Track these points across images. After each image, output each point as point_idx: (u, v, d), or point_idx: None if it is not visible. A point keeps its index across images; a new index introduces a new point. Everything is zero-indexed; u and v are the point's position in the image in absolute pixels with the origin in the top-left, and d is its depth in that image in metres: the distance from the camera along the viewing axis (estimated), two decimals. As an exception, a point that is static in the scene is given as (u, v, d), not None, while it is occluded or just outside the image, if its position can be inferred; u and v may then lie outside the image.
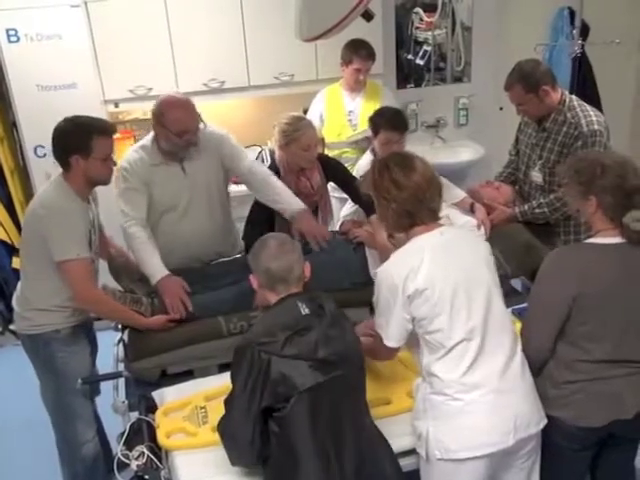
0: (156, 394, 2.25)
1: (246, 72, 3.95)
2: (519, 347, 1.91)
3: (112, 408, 2.34)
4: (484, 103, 4.75)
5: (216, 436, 1.87)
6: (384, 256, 2.54)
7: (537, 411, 1.88)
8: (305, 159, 2.79)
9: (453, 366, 1.82)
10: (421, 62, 4.68)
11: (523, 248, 2.80)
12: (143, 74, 3.79)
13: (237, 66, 3.92)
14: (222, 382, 2.13)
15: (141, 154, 2.62)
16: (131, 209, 2.55)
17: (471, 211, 2.84)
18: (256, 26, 3.86)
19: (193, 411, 2.10)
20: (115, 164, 2.43)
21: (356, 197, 2.85)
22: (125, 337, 2.49)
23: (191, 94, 3.83)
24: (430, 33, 4.63)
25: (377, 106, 3.50)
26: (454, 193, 2.87)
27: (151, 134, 2.66)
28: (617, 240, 1.89)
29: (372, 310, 2.04)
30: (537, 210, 2.89)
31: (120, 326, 2.60)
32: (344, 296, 2.32)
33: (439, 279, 1.81)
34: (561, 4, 4.57)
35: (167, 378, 2.41)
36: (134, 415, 2.18)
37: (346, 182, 2.91)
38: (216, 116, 3.36)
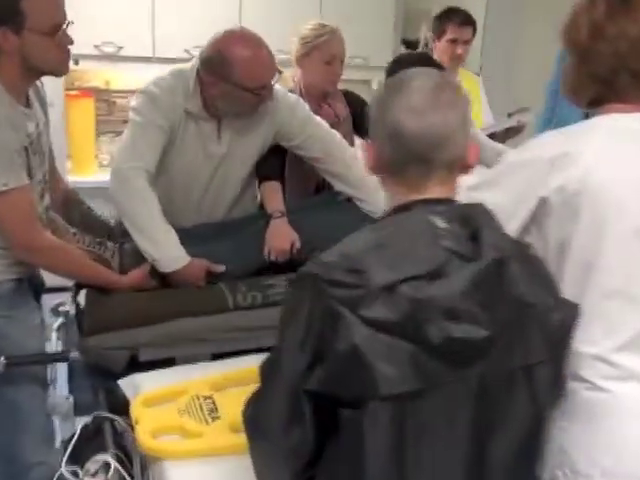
0: (124, 383, 1.47)
1: (237, 44, 3.38)
2: None
3: (48, 408, 1.57)
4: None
5: (237, 438, 1.14)
6: None
7: None
8: (327, 76, 2.15)
9: (600, 334, 1.11)
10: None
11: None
12: (114, 28, 3.13)
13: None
14: (234, 367, 1.43)
15: (177, 89, 1.80)
16: (147, 150, 1.74)
17: None
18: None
19: (193, 402, 1.33)
20: (72, 42, 1.59)
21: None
22: (81, 300, 1.68)
23: (169, 61, 3.31)
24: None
25: (477, 100, 2.93)
26: None
27: (194, 64, 1.83)
28: None
29: None
30: None
31: (74, 288, 1.76)
32: None
33: (611, 183, 1.08)
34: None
35: (136, 368, 1.55)
36: (81, 421, 1.43)
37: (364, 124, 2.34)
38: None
